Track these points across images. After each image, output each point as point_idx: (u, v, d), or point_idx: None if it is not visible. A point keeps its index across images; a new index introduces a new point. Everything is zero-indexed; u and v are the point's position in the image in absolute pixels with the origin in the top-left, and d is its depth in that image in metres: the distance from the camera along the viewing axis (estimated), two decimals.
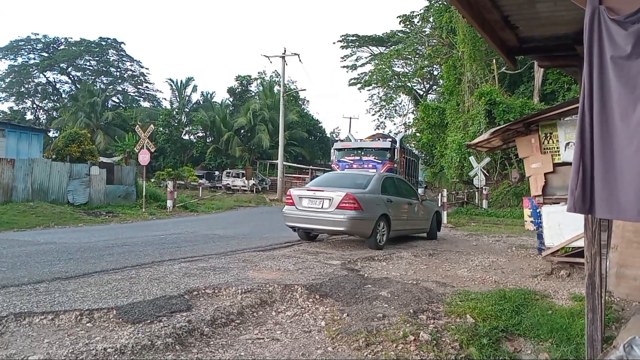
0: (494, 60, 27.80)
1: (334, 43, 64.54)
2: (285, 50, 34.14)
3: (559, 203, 7.08)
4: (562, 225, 6.96)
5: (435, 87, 49.82)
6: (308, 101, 52.22)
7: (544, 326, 4.56)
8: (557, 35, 4.09)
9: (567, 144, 6.99)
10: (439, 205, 16.35)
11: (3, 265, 6.86)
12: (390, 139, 22.90)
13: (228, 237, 11.38)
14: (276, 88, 50.52)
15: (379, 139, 22.92)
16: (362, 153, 20.67)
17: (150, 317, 4.38)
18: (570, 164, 6.91)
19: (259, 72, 56.89)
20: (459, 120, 29.06)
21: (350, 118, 70.22)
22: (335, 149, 22.47)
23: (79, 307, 4.57)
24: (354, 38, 49.89)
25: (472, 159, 23.57)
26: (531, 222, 8.04)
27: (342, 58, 51.74)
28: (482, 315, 4.82)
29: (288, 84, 47.23)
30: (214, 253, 8.46)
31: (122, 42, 58.51)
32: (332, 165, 22.07)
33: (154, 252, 8.47)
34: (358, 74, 51.64)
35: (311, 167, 48.48)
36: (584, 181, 2.56)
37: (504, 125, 7.60)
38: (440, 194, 18.78)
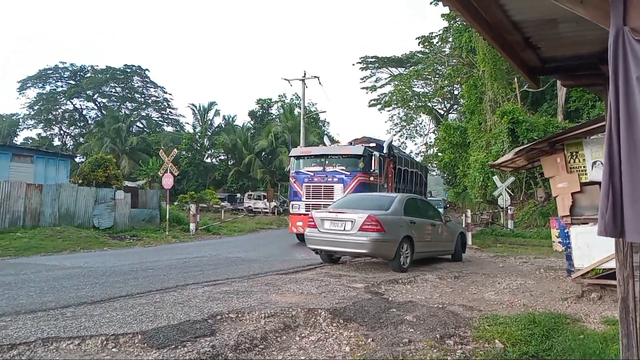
0: (516, 79, 27.64)
1: (353, 65, 65.39)
2: (305, 73, 34.52)
3: (587, 223, 6.92)
4: (592, 246, 6.78)
5: (456, 106, 49.69)
6: (328, 123, 52.74)
7: (576, 351, 4.41)
8: (581, 55, 4.05)
9: (594, 163, 6.85)
10: (464, 226, 16.11)
11: (31, 290, 6.98)
12: (373, 144, 17.96)
13: (250, 259, 11.39)
14: (297, 110, 51.02)
15: (351, 144, 18.09)
16: (327, 162, 15.70)
17: (175, 342, 4.38)
18: (597, 183, 6.78)
19: (279, 95, 57.64)
20: (481, 139, 28.82)
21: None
22: (293, 156, 16.97)
23: (104, 332, 4.61)
24: (373, 59, 50.31)
25: (495, 178, 23.26)
26: (559, 242, 7.86)
27: (362, 79, 52.17)
28: (511, 340, 4.69)
29: (308, 106, 47.60)
30: (236, 276, 8.47)
31: (147, 69, 60.22)
32: (290, 180, 16.93)
33: (177, 276, 8.52)
34: (378, 95, 51.96)
35: None
36: (614, 203, 2.49)
37: (529, 144, 7.52)
38: (464, 215, 18.49)
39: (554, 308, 6.35)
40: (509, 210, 23.07)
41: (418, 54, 46.45)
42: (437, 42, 41.65)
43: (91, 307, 5.74)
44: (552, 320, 5.41)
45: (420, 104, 49.72)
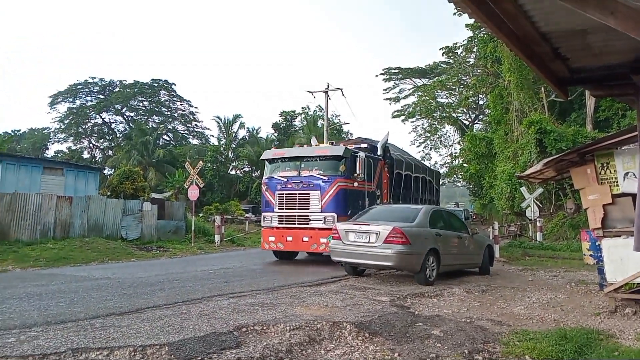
0: (543, 88, 27.22)
1: (376, 76, 65.67)
2: (328, 85, 34.61)
3: (620, 236, 6.72)
4: (625, 260, 6.58)
5: (481, 116, 49.17)
6: (352, 134, 52.64)
7: None
8: (611, 65, 3.98)
9: (626, 174, 6.68)
10: (491, 238, 15.84)
11: (61, 300, 7.12)
12: (365, 145, 15.73)
13: (274, 271, 11.41)
14: (320, 122, 51.20)
15: (332, 144, 15.42)
16: (302, 166, 13.39)
17: (201, 354, 4.41)
18: (630, 195, 6.60)
19: (302, 107, 57.99)
20: (507, 150, 28.41)
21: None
22: (265, 159, 14.50)
23: (132, 343, 4.66)
24: (397, 71, 50.22)
25: (523, 189, 22.85)
26: (590, 256, 7.64)
27: (385, 90, 52.06)
28: (542, 356, 4.57)
29: (331, 117, 47.87)
30: (261, 288, 8.48)
31: (173, 83, 61.23)
32: (262, 187, 14.48)
33: (203, 287, 8.58)
34: (401, 106, 51.76)
35: None
36: None
37: (557, 155, 7.38)
38: (491, 227, 18.17)
39: (586, 323, 6.17)
40: (537, 222, 22.58)
41: (442, 65, 46.22)
42: (461, 53, 41.42)
43: (119, 318, 5.83)
44: (585, 336, 5.25)
45: (444, 114, 49.33)
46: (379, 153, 15.11)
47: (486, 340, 5.20)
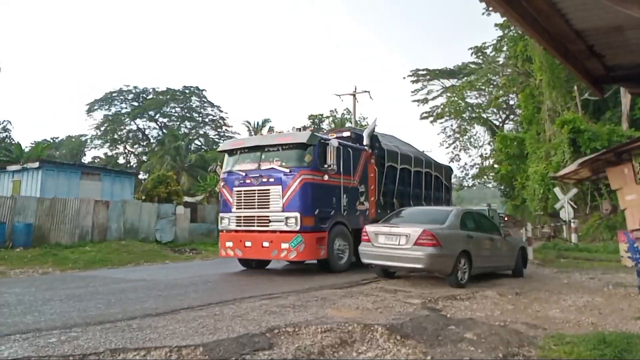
0: (575, 87, 26.52)
1: (404, 78, 65.13)
2: (355, 88, 34.69)
3: None
4: None
5: (512, 116, 48.22)
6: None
7: None
8: None
9: None
10: (524, 240, 15.52)
11: (99, 302, 7.34)
12: (347, 133, 13.44)
13: (303, 273, 11.45)
14: (347, 125, 51.19)
15: (300, 130, 12.03)
16: (263, 157, 11.44)
17: (235, 354, 4.48)
18: None
19: (330, 111, 58.03)
20: (540, 150, 27.80)
21: None
22: (224, 151, 12.67)
23: (168, 343, 4.77)
24: (424, 72, 49.77)
25: (557, 190, 22.28)
26: (629, 257, 7.44)
27: (413, 92, 51.59)
28: None
29: (359, 120, 47.72)
30: (292, 290, 8.53)
31: (204, 90, 62.33)
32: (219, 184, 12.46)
33: (235, 288, 8.71)
34: (430, 107, 51.22)
35: None
36: None
37: (593, 155, 7.21)
38: (524, 228, 17.78)
39: (626, 327, 5.98)
40: (572, 224, 21.98)
41: (471, 65, 45.57)
42: (490, 52, 40.80)
43: (155, 319, 5.97)
44: (624, 341, 5.09)
45: (474, 115, 48.60)
46: (364, 143, 13.08)
47: (521, 343, 5.11)
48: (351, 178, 12.16)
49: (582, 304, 7.64)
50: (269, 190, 10.94)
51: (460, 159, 52.85)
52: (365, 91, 34.44)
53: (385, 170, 13.72)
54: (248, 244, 11.13)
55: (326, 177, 11.10)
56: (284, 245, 10.54)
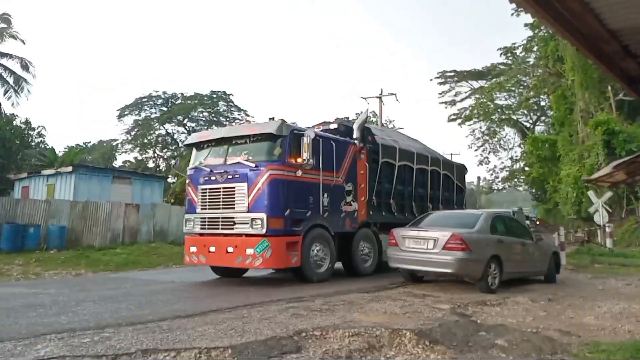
0: (609, 87, 25.82)
1: (430, 80, 64.27)
2: (382, 91, 34.61)
3: None
4: None
5: (543, 118, 47.24)
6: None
7: None
8: None
9: None
10: (556, 244, 15.15)
11: (131, 303, 7.49)
12: (334, 125, 12.10)
13: (331, 277, 11.41)
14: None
15: (272, 120, 10.41)
16: (230, 150, 10.25)
17: (263, 357, 4.51)
18: None
19: (356, 114, 57.97)
20: (573, 152, 27.17)
21: None
22: (191, 144, 11.51)
23: (197, 345, 4.82)
24: (452, 74, 49.24)
25: (591, 193, 21.69)
26: None
27: (440, 94, 51.13)
28: None
29: (386, 123, 47.49)
30: (318, 294, 8.51)
31: (231, 94, 62.93)
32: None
33: (262, 291, 8.76)
34: (458, 109, 50.65)
35: None
36: None
37: (628, 157, 6.99)
38: (556, 233, 17.36)
39: None
40: (607, 228, 21.34)
41: (500, 66, 44.88)
42: (520, 53, 40.10)
43: (185, 321, 6.06)
44: None
45: (503, 116, 47.80)
46: (354, 136, 11.68)
47: (554, 351, 4.98)
48: (334, 174, 10.73)
49: (618, 311, 7.40)
50: (234, 188, 9.65)
51: (489, 161, 51.98)
52: (392, 94, 34.32)
53: (379, 167, 12.26)
54: (212, 249, 9.88)
55: (299, 173, 9.76)
56: (249, 251, 9.22)
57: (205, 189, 10.12)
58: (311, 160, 9.77)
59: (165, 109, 60.88)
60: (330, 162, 10.66)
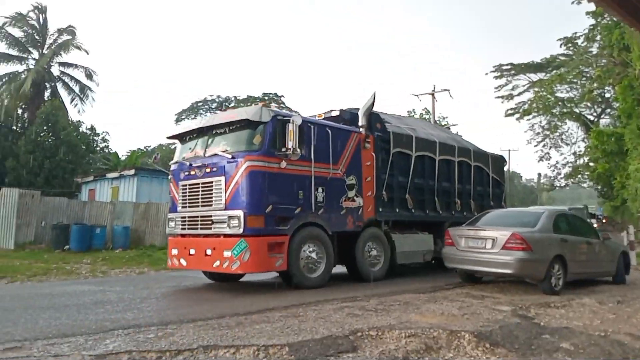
0: None
1: (486, 74, 62.20)
2: (434, 88, 33.96)
3: None
4: None
5: (608, 110, 44.68)
6: (460, 135, 50.63)
7: None
8: None
9: None
10: (626, 244, 14.32)
11: (191, 300, 7.76)
12: (336, 113, 10.75)
13: (385, 277, 11.31)
14: None
15: (259, 105, 9.23)
16: (210, 142, 9.27)
17: (319, 355, 4.53)
18: None
19: (408, 111, 57.13)
20: None
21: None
22: (173, 137, 10.75)
23: (255, 342, 4.92)
24: (509, 67, 47.50)
25: None
26: None
27: (497, 88, 49.35)
28: None
29: (439, 120, 46.54)
30: (373, 294, 8.45)
31: (282, 95, 63.81)
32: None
33: (315, 291, 8.75)
34: (515, 104, 48.75)
35: None
36: None
37: None
38: (625, 231, 16.41)
39: None
40: None
41: (560, 57, 42.83)
42: (582, 42, 38.12)
43: (243, 318, 6.19)
44: None
45: (565, 110, 45.58)
46: (360, 123, 10.45)
47: (625, 356, 4.72)
48: (330, 166, 9.52)
49: None
50: (211, 182, 8.76)
51: (550, 157, 49.65)
52: (445, 90, 33.62)
53: (390, 157, 10.93)
54: (192, 251, 9.05)
55: (284, 165, 8.65)
56: (226, 254, 8.29)
57: (185, 185, 9.31)
58: (298, 150, 8.65)
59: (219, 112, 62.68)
60: (326, 152, 9.48)
